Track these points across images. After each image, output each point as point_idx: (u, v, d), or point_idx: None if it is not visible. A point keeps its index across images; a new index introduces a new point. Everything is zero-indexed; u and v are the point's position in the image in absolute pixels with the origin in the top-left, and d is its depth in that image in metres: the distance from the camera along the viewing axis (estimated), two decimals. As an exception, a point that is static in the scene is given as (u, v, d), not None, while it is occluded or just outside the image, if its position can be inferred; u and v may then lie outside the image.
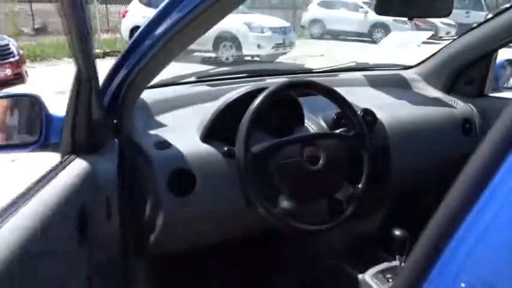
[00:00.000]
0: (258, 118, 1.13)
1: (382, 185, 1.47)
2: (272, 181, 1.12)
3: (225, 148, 1.14)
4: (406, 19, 13.08)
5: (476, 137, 1.77)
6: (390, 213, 1.54)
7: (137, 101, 1.20)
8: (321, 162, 1.16)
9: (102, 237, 1.01)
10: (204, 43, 8.33)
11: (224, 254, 1.59)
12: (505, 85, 1.93)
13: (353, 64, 2.01)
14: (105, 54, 9.49)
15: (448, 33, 13.35)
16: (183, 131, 1.24)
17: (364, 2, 14.52)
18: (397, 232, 1.32)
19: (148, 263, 1.37)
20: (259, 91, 1.17)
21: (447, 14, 1.19)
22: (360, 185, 1.21)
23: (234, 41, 8.67)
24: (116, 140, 1.10)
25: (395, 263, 1.40)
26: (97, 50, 9.49)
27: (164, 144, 1.16)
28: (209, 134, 1.21)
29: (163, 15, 0.94)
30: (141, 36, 0.99)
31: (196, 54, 8.92)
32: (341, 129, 1.30)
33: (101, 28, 10.76)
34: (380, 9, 1.17)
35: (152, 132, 1.23)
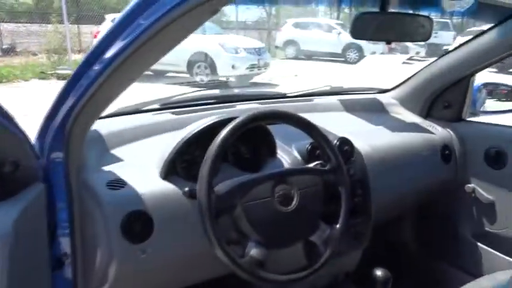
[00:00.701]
0: (224, 152, 1.02)
1: (362, 219, 1.36)
2: (239, 225, 0.99)
3: (186, 188, 1.01)
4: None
5: (456, 164, 1.71)
6: (369, 247, 1.43)
7: (89, 133, 1.07)
8: (294, 202, 1.04)
9: None
10: (177, 63, 8.22)
11: None
12: (481, 109, 1.89)
13: (327, 88, 1.93)
14: (75, 75, 9.22)
15: (417, 53, 13.68)
16: (141, 167, 1.11)
17: (338, 24, 14.80)
18: (379, 272, 1.22)
19: None
20: (226, 121, 1.05)
21: (426, 39, 1.11)
22: (337, 225, 1.10)
23: (209, 61, 8.59)
24: (41, 185, 0.96)
25: (377, 305, 1.29)
26: (68, 71, 9.26)
27: (118, 183, 1.03)
28: (170, 170, 1.08)
29: (112, 38, 0.82)
30: (89, 60, 0.87)
31: (169, 74, 8.82)
32: (316, 163, 1.19)
33: (72, 48, 10.50)
34: (356, 34, 1.08)
35: (106, 168, 1.09)
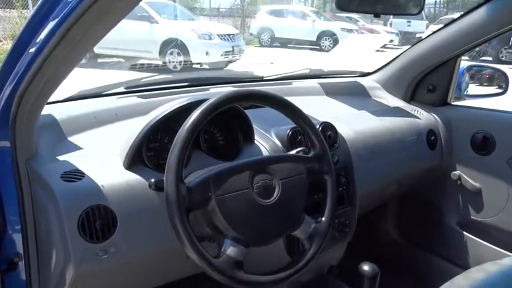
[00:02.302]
0: (195, 137, 0.89)
1: (347, 210, 1.27)
2: (213, 221, 0.87)
3: (152, 179, 0.88)
4: (352, 27, 13.57)
5: (441, 150, 1.64)
6: (353, 238, 1.35)
7: (41, 119, 0.93)
8: (275, 193, 0.93)
9: None
10: (150, 50, 7.96)
11: None
12: (465, 92, 1.82)
13: (307, 71, 1.82)
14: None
15: (391, 41, 13.75)
16: (102, 156, 0.98)
17: (312, 11, 14.72)
18: (366, 267, 1.13)
19: None
20: (198, 103, 0.92)
21: (418, 11, 1.01)
22: (323, 218, 0.99)
23: (181, 47, 8.35)
24: None
25: (364, 301, 1.20)
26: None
27: (75, 175, 0.90)
28: (135, 159, 0.96)
29: (45, 13, 0.70)
30: (21, 44, 0.74)
31: (141, 61, 8.54)
32: (298, 149, 1.08)
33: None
34: (341, 4, 0.96)
35: (61, 158, 0.96)
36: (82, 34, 0.69)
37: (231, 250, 0.85)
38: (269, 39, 14.39)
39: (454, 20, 1.53)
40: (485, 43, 1.53)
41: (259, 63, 8.70)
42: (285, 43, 14.16)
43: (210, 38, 8.50)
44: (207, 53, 8.34)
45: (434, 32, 1.62)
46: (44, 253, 0.92)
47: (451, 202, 1.68)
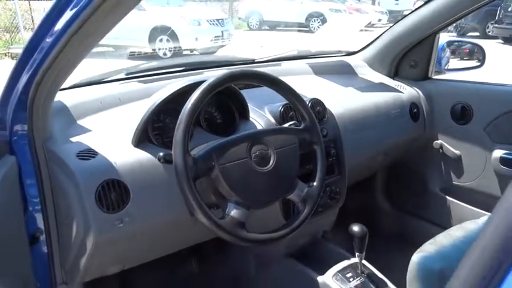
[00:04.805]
0: (196, 116, 0.99)
1: (337, 179, 1.38)
2: (217, 188, 0.98)
3: (161, 153, 0.98)
4: (340, 7, 13.52)
5: (424, 121, 1.75)
6: (344, 206, 1.46)
7: (54, 104, 1.02)
8: (271, 162, 1.04)
9: None
10: (138, 38, 7.94)
11: (167, 267, 1.45)
12: (446, 67, 1.93)
13: (295, 52, 1.91)
14: (30, 54, 8.78)
15: (379, 20, 13.78)
16: (111, 136, 1.07)
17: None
18: (356, 228, 1.24)
19: None
20: (196, 85, 1.02)
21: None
22: (315, 183, 1.10)
23: (171, 34, 8.35)
24: (11, 157, 0.92)
25: (355, 260, 1.32)
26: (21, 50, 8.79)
27: (89, 153, 0.99)
28: (142, 138, 1.05)
29: (64, 5, 0.78)
30: (41, 29, 0.83)
31: (131, 50, 8.53)
32: (290, 123, 1.19)
33: (24, 26, 9.95)
34: None
35: (74, 139, 1.05)
36: (97, 25, 0.77)
37: (234, 212, 0.96)
38: (258, 23, 14.33)
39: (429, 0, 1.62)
40: (462, 19, 1.62)
41: (248, 47, 8.74)
42: (273, 26, 14.12)
43: (199, 24, 8.50)
44: (196, 39, 8.35)
45: (413, 11, 1.71)
46: (63, 226, 1.02)
47: (434, 169, 1.80)
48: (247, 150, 1.01)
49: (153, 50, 8.19)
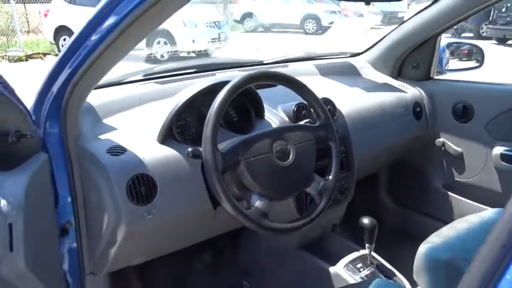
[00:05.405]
0: (223, 113, 1.06)
1: (346, 175, 1.45)
2: (242, 180, 1.05)
3: (189, 149, 1.04)
4: (335, 9, 13.60)
5: (426, 120, 1.82)
6: (351, 202, 1.53)
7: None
8: (291, 156, 1.11)
9: (4, 274, 0.81)
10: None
11: (182, 259, 1.50)
12: (446, 67, 2.00)
13: (302, 54, 1.98)
14: (28, 57, 8.80)
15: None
16: (137, 134, 1.13)
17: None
18: (366, 220, 1.31)
19: (105, 280, 1.25)
20: (218, 86, 1.09)
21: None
22: (330, 176, 1.17)
23: (168, 37, 8.40)
24: (44, 154, 0.97)
25: (364, 251, 1.39)
26: (20, 53, 8.79)
27: (118, 150, 1.05)
28: (167, 135, 1.12)
29: (110, 8, 0.83)
30: (86, 31, 0.88)
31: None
32: (305, 121, 1.26)
33: (20, 29, 9.96)
34: None
35: (103, 137, 1.11)
36: (138, 30, 0.83)
37: (258, 203, 1.03)
38: (253, 25, 14.40)
39: (434, 2, 1.69)
40: (462, 22, 1.69)
41: (245, 49, 8.79)
42: (268, 28, 14.19)
43: (196, 26, 8.55)
44: (193, 41, 8.41)
45: (416, 14, 1.78)
46: (93, 219, 1.08)
47: (436, 166, 1.87)
48: (269, 146, 1.08)
49: (150, 53, 8.21)
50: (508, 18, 11.02)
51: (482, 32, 11.46)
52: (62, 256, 1.07)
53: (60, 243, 1.07)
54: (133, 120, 1.21)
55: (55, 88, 0.96)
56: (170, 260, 1.35)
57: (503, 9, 10.99)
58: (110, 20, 0.82)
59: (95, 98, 1.23)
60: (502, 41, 10.98)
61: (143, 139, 1.11)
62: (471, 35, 11.66)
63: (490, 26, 11.13)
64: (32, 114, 0.99)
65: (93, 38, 0.86)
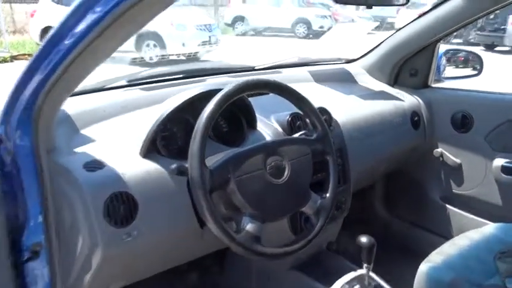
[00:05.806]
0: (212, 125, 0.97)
1: (343, 188, 1.37)
2: (232, 200, 0.95)
3: (174, 165, 0.95)
4: (326, 13, 13.65)
5: (424, 130, 1.75)
6: (347, 215, 1.45)
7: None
8: (286, 173, 1.01)
9: None
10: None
11: (166, 281, 1.41)
12: (443, 75, 1.94)
13: (295, 59, 1.90)
14: (13, 58, 8.61)
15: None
16: (117, 146, 1.04)
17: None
18: (364, 239, 1.23)
19: None
20: (207, 94, 0.99)
21: (406, 2, 1.10)
22: (327, 194, 1.08)
23: (158, 39, 8.28)
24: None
25: (362, 271, 1.31)
26: (5, 54, 8.60)
27: (95, 164, 0.95)
28: (150, 148, 1.02)
29: (87, 7, 0.74)
30: (58, 35, 0.78)
31: (116, 55, 8.41)
32: (301, 133, 1.17)
33: (6, 29, 9.76)
34: None
35: (79, 150, 1.01)
36: (119, 31, 0.74)
37: (249, 226, 0.93)
38: (243, 28, 14.36)
39: (432, 8, 1.63)
40: (462, 28, 1.64)
41: (236, 52, 8.72)
42: (260, 31, 14.17)
43: (186, 29, 8.46)
44: (183, 44, 8.31)
45: (414, 20, 1.72)
46: (67, 240, 0.98)
47: (434, 178, 1.80)
48: (263, 162, 0.99)
49: (139, 55, 8.09)
50: (496, 25, 11.13)
51: (471, 39, 11.55)
52: (31, 283, 0.97)
53: (29, 268, 0.98)
54: (114, 131, 1.12)
55: (25, 97, 0.86)
56: (153, 282, 1.25)
57: (492, 16, 11.08)
58: (87, 20, 0.73)
59: (73, 106, 1.13)
60: (489, 47, 11.08)
61: (124, 152, 1.01)
62: (460, 41, 11.74)
63: (479, 32, 11.22)
64: (0, 125, 0.90)
65: (67, 41, 0.76)
